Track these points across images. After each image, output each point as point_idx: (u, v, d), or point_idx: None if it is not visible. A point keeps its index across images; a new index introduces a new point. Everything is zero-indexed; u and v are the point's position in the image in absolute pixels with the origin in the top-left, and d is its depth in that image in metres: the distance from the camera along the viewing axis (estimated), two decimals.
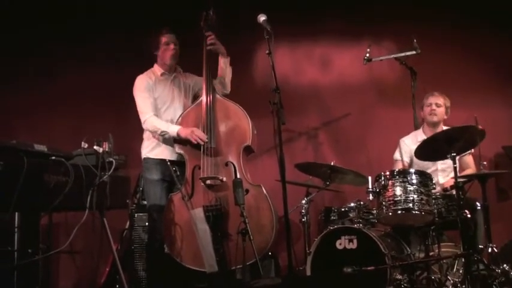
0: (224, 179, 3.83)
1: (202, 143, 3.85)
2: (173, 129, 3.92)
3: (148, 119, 3.97)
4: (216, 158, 3.88)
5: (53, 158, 3.13)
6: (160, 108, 4.06)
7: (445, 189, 4.00)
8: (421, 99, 4.57)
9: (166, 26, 4.15)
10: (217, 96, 4.02)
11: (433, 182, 3.90)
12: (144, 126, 4.02)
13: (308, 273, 3.88)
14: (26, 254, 3.12)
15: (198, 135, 3.85)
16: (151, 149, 4.06)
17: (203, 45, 4.05)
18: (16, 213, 3.29)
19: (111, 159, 3.39)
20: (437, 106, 4.42)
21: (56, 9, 5.40)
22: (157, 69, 4.16)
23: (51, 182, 3.08)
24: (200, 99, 4.02)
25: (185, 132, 3.88)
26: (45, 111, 5.48)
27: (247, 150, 3.97)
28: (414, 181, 3.80)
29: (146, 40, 4.19)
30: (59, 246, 3.65)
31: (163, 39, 4.10)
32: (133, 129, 4.19)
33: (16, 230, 3.14)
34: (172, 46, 4.10)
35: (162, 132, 3.96)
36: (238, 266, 3.69)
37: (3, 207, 2.88)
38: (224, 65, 4.11)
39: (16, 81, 5.51)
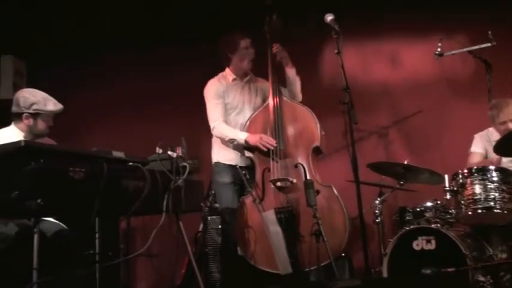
0: (294, 180, 3.81)
1: (272, 148, 3.85)
2: (241, 137, 3.94)
3: (217, 126, 4.01)
4: (285, 160, 3.87)
5: (130, 164, 3.20)
6: (230, 113, 4.09)
7: None
8: (497, 93, 4.35)
9: (243, 29, 4.10)
10: (284, 98, 4.01)
11: None
12: (213, 132, 4.06)
13: (384, 274, 3.80)
14: (107, 256, 3.20)
15: (266, 141, 3.85)
16: (222, 154, 4.10)
17: (267, 49, 4.03)
18: (96, 218, 3.40)
19: (184, 163, 3.45)
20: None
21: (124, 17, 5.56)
22: (229, 73, 4.16)
23: (129, 187, 3.17)
24: (267, 102, 4.02)
25: (254, 140, 3.89)
26: (111, 116, 5.66)
27: (316, 151, 3.94)
28: (495, 178, 3.65)
29: (222, 40, 4.11)
30: (135, 249, 3.75)
31: (243, 43, 4.05)
32: (204, 134, 4.23)
33: (97, 234, 3.24)
34: (252, 51, 4.07)
35: (230, 139, 3.99)
36: (312, 268, 3.66)
37: (86, 212, 2.99)
38: (291, 75, 4.04)
39: (84, 89, 5.71)
